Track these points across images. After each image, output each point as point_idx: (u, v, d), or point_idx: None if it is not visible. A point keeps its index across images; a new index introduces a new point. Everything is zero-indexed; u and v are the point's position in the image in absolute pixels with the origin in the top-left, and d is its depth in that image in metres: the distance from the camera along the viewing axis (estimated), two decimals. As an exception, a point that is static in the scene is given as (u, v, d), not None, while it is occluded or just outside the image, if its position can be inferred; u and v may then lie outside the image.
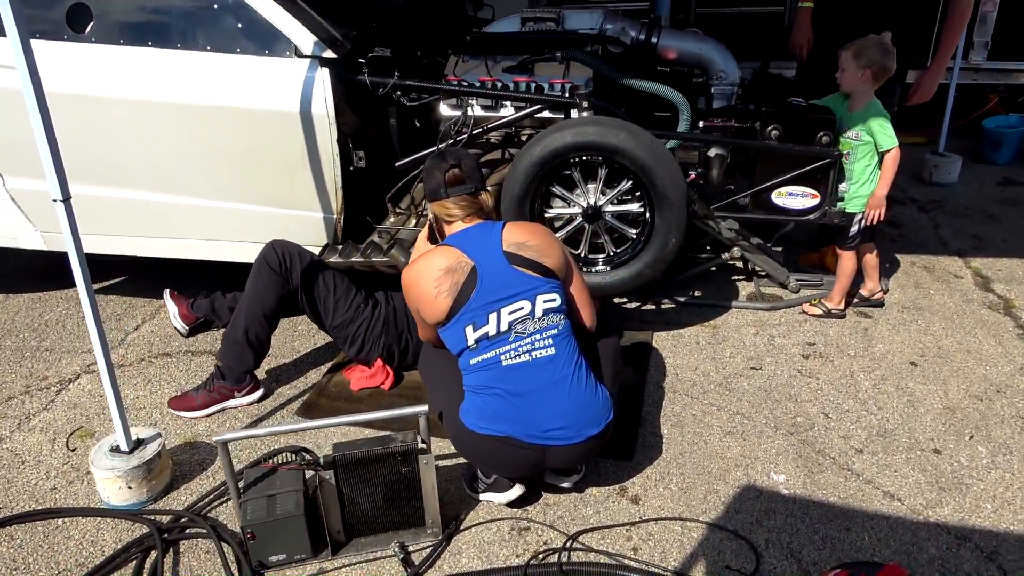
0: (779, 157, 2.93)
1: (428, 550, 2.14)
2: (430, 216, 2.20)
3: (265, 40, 2.64)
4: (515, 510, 2.29)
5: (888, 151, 2.94)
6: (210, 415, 2.76)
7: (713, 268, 3.67)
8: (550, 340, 2.02)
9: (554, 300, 2.06)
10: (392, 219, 2.93)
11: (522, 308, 2.02)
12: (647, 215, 2.72)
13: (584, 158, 2.65)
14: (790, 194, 3.02)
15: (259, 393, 2.83)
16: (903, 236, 4.04)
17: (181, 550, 2.20)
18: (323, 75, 2.61)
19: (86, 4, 2.73)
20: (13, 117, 2.84)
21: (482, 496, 2.29)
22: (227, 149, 2.74)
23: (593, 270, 2.86)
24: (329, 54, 2.61)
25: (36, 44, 2.65)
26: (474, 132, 2.82)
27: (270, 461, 2.33)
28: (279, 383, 2.96)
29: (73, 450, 2.59)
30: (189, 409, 2.74)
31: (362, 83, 2.68)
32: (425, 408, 2.10)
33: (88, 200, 2.93)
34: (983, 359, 2.96)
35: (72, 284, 2.17)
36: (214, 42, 2.67)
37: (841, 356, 3.00)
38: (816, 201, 3.01)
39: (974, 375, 2.86)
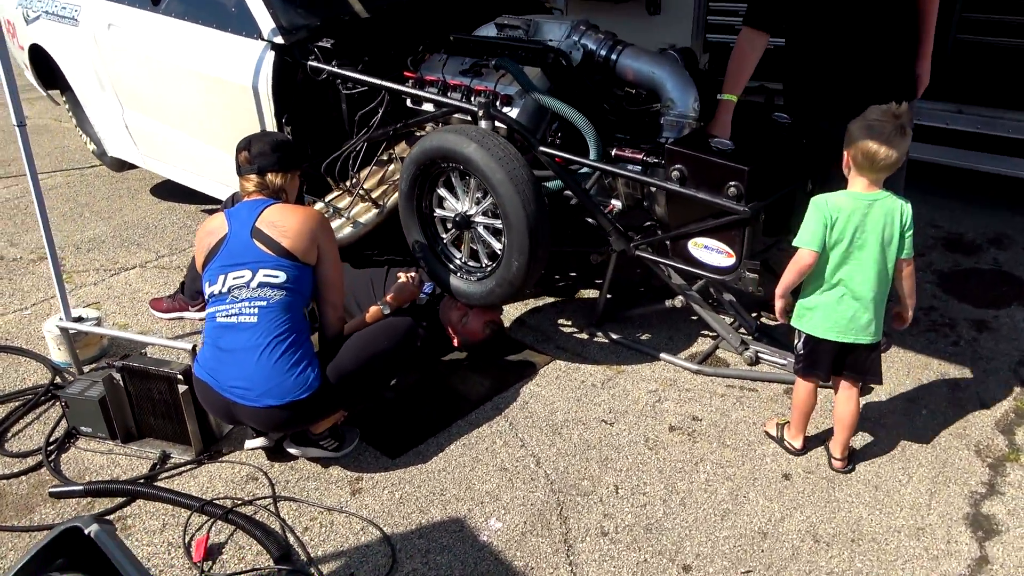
0: (687, 202, 2.60)
1: (176, 465, 2.52)
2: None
3: (244, 22, 3.14)
4: (267, 461, 2.54)
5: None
6: (170, 319, 3.43)
7: (695, 316, 3.32)
8: (256, 310, 2.23)
9: (276, 277, 2.25)
10: (334, 193, 3.25)
11: (243, 276, 2.25)
12: (508, 233, 2.67)
13: (451, 164, 2.69)
14: (705, 247, 2.67)
15: (209, 312, 3.42)
16: (975, 342, 3.16)
17: (57, 404, 2.88)
18: (270, 57, 3.02)
19: (162, -18, 3.51)
20: (129, 68, 3.78)
21: (248, 439, 2.58)
22: (219, 109, 3.34)
23: (463, 276, 2.88)
24: (279, 40, 3.02)
25: (132, 11, 3.51)
26: (397, 125, 3.01)
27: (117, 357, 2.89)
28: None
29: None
30: (158, 310, 3.45)
31: (305, 68, 3.04)
32: (190, 345, 2.47)
33: (149, 130, 3.79)
34: (884, 501, 2.33)
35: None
36: (217, 20, 3.25)
37: (712, 442, 2.60)
38: (731, 261, 2.61)
39: (847, 514, 2.29)
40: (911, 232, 2.19)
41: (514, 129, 2.76)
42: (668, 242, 2.77)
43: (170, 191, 4.86)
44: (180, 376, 2.47)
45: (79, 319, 3.10)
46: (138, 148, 4.09)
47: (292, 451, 2.49)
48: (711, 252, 2.65)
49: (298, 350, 2.25)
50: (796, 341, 2.40)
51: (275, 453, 2.56)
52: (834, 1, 2.63)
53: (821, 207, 2.20)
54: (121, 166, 4.64)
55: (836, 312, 2.25)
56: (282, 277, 2.26)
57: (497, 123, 2.77)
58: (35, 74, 4.73)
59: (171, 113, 3.64)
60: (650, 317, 3.33)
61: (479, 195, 2.74)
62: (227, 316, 2.26)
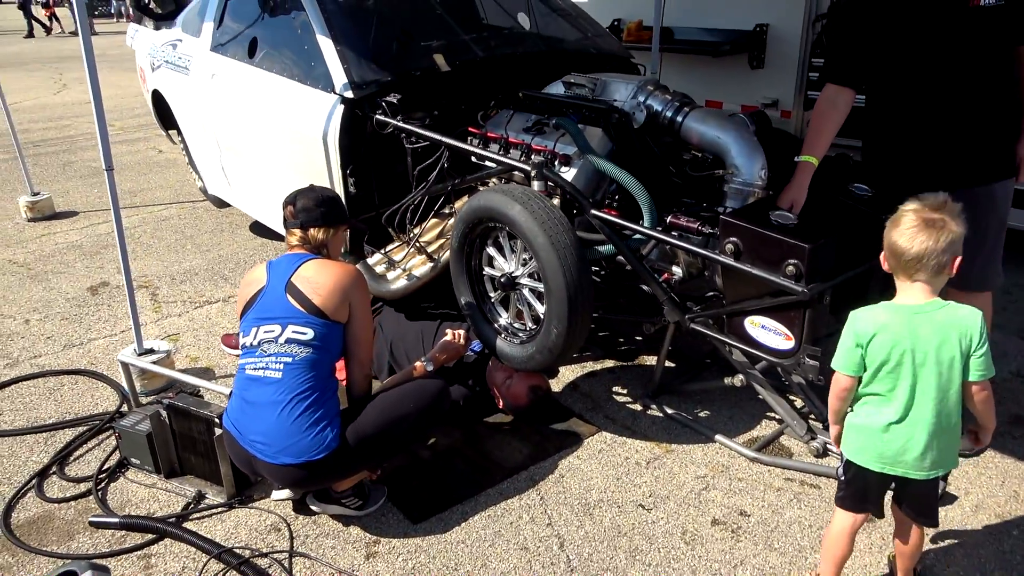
0: (743, 277, 2.42)
1: (209, 506, 2.57)
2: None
3: (321, 76, 3.25)
4: (292, 512, 2.54)
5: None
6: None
7: (761, 396, 3.08)
8: (281, 365, 2.24)
9: (304, 333, 2.25)
10: (393, 245, 3.28)
11: (273, 331, 2.28)
12: (551, 298, 2.58)
13: (498, 224, 2.64)
14: (763, 327, 2.46)
15: (273, 352, 3.52)
16: None
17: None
18: (340, 110, 3.11)
19: (257, 38, 3.71)
20: (225, 114, 4.02)
21: (281, 488, 2.60)
22: (296, 157, 3.47)
23: (507, 337, 2.80)
24: (349, 94, 3.10)
25: (232, 62, 3.74)
26: (456, 180, 3.00)
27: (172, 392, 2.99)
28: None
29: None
30: (227, 345, 3.58)
31: (373, 122, 3.10)
32: (228, 391, 2.52)
33: (240, 172, 4.00)
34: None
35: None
36: (300, 73, 3.39)
37: (757, 543, 2.36)
38: (790, 344, 2.39)
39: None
40: (982, 352, 1.76)
41: (567, 191, 2.68)
42: (725, 317, 2.58)
43: (266, 228, 5.10)
44: (217, 419, 2.52)
45: (150, 351, 3.27)
46: (231, 188, 4.33)
47: (313, 507, 2.48)
48: (768, 333, 2.44)
49: (319, 409, 2.24)
50: (839, 465, 2.01)
51: (301, 504, 2.55)
52: (920, 57, 2.39)
53: (852, 323, 1.86)
54: (220, 203, 4.93)
55: (883, 440, 1.85)
56: (310, 334, 2.27)
57: (551, 184, 2.71)
58: (156, 116, 5.14)
59: (258, 158, 3.83)
60: (712, 393, 3.12)
61: (526, 256, 2.67)
62: (255, 369, 2.29)
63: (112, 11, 21.68)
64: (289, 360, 2.25)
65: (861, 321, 1.84)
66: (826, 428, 2.80)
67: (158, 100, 4.94)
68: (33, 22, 17.92)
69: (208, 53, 4.12)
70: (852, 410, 1.93)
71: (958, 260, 1.77)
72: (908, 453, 1.84)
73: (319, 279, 2.32)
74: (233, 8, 4.08)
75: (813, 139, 2.55)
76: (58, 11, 18.10)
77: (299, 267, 2.36)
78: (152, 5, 5.41)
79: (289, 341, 2.26)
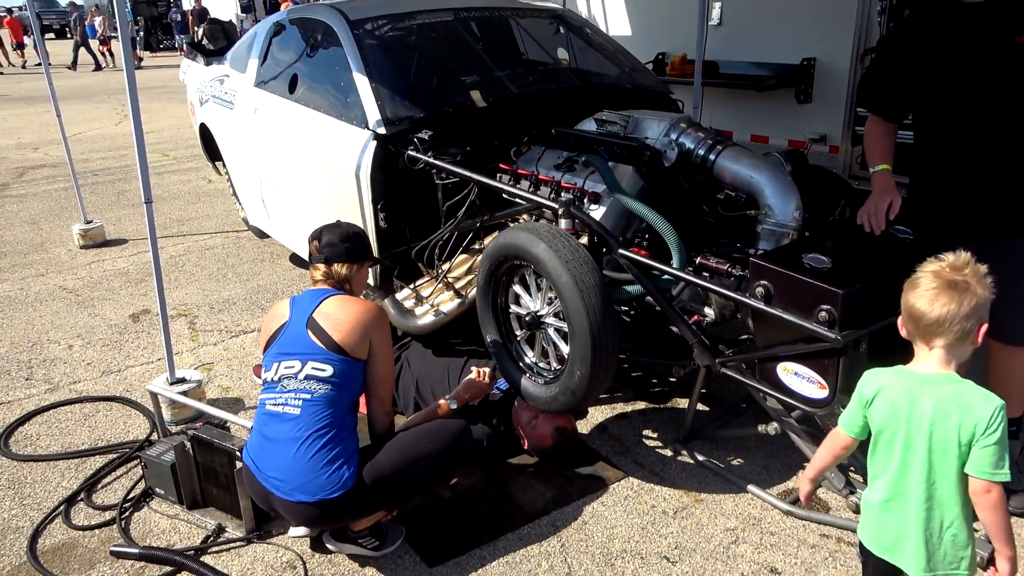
0: (775, 322, 2.32)
1: (228, 540, 2.56)
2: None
3: (356, 112, 3.29)
4: (308, 550, 2.51)
5: None
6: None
7: (797, 445, 2.95)
8: (300, 401, 2.23)
9: (324, 370, 2.24)
10: (422, 280, 3.27)
11: (293, 367, 2.27)
12: (577, 338, 2.52)
13: (523, 262, 2.60)
14: (796, 373, 2.36)
15: (303, 384, 3.53)
16: None
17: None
18: (372, 146, 3.13)
19: (297, 74, 3.79)
20: (266, 148, 4.11)
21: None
22: (330, 192, 3.50)
23: (532, 377, 2.75)
24: (382, 130, 3.12)
25: (273, 98, 3.83)
26: (484, 217, 2.98)
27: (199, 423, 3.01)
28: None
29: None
30: (259, 376, 3.59)
31: (405, 158, 3.12)
32: (250, 424, 2.52)
33: (279, 204, 4.06)
34: None
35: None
36: (336, 109, 3.44)
37: (788, 603, 2.23)
38: (824, 393, 2.28)
39: None
40: (989, 444, 1.53)
41: (594, 230, 2.63)
42: (756, 362, 2.48)
43: (304, 260, 5.17)
44: (238, 452, 2.52)
45: (182, 380, 3.30)
46: (270, 219, 4.40)
47: (329, 546, 2.44)
48: (802, 380, 2.33)
49: (336, 447, 2.22)
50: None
51: (317, 542, 2.52)
52: (965, 95, 2.30)
53: (861, 382, 1.74)
54: (261, 234, 5.02)
55: (881, 520, 1.71)
56: (329, 371, 2.25)
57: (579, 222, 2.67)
58: (204, 148, 5.28)
59: (294, 191, 3.89)
60: (746, 440, 3.00)
61: (551, 295, 2.62)
62: (274, 405, 2.28)
63: (176, 45, 22.69)
64: (308, 396, 2.24)
65: (866, 381, 1.73)
66: (866, 481, 2.66)
67: (205, 133, 5.08)
68: (92, 56, 18.90)
69: (252, 88, 4.23)
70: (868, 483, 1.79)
71: (984, 327, 1.61)
72: (902, 543, 1.67)
73: (340, 315, 2.31)
74: (277, 44, 4.19)
75: (877, 150, 2.54)
76: (114, 47, 19.10)
77: (321, 303, 2.35)
78: (205, 42, 5.61)
79: (308, 377, 2.25)
